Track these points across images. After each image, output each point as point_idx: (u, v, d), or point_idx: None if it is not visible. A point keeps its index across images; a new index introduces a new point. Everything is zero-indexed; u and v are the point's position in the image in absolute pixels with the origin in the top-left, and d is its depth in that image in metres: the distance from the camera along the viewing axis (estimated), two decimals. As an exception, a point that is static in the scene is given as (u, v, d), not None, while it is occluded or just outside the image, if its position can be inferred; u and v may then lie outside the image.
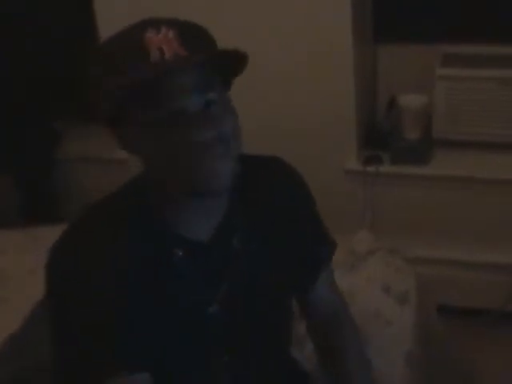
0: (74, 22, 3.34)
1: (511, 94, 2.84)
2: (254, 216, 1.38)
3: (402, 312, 2.14)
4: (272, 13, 2.80)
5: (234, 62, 1.22)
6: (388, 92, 3.13)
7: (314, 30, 2.81)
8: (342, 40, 2.80)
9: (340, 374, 1.57)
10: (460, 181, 2.97)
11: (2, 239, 2.64)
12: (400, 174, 3.01)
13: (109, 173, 3.33)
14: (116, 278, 1.24)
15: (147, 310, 1.26)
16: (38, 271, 2.38)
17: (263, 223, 1.40)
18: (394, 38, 3.09)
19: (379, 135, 3.11)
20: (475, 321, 3.03)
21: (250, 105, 2.93)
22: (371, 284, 2.21)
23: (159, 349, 1.29)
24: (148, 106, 1.16)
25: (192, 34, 1.19)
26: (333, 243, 1.58)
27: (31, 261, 2.46)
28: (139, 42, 1.15)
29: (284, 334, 1.55)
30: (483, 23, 2.95)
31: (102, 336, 1.23)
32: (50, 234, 2.57)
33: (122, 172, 3.23)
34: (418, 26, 3.03)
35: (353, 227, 2.70)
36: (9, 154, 3.33)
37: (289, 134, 2.94)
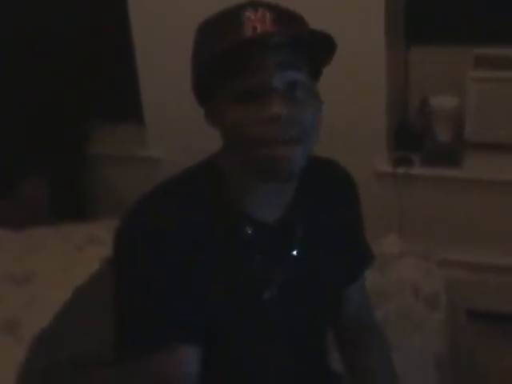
0: (104, 24, 3.37)
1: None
2: (313, 210, 1.41)
3: (431, 315, 2.14)
4: (304, 12, 2.80)
5: (322, 50, 1.27)
6: (420, 93, 3.11)
7: (346, 31, 2.79)
8: (374, 41, 2.80)
9: (364, 380, 1.58)
10: (491, 183, 2.95)
11: (33, 237, 2.67)
12: (431, 176, 2.99)
13: (138, 171, 3.36)
14: (187, 243, 1.26)
15: (211, 280, 1.29)
16: (68, 269, 2.43)
17: (322, 215, 1.43)
18: (426, 39, 3.07)
19: (410, 137, 3.10)
20: (504, 325, 3.00)
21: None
22: (401, 287, 2.20)
23: (215, 321, 1.30)
24: (233, 77, 1.20)
25: (287, 19, 1.24)
26: (372, 254, 1.61)
27: (61, 258, 2.49)
28: (237, 19, 1.20)
29: (327, 332, 1.57)
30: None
31: (163, 300, 1.25)
32: (79, 232, 2.64)
33: (151, 170, 3.29)
34: (451, 28, 3.02)
35: (382, 229, 2.70)
36: (40, 154, 3.35)
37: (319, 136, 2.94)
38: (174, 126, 3.19)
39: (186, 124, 2.73)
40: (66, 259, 2.46)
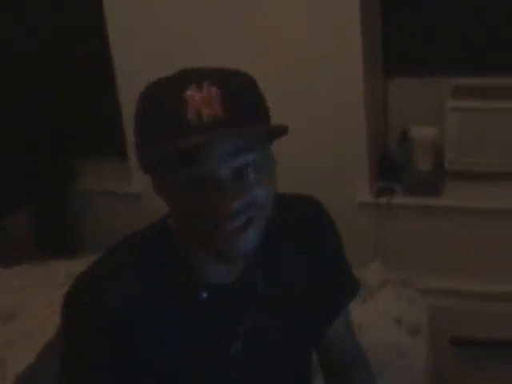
0: (89, 61, 3.40)
1: (522, 125, 2.85)
2: (278, 256, 1.37)
3: (415, 344, 2.15)
4: (281, 44, 2.84)
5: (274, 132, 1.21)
6: (400, 124, 3.15)
7: (323, 64, 2.84)
8: (352, 73, 2.82)
9: None
10: (473, 212, 2.97)
11: (19, 272, 2.67)
12: (412, 205, 3.01)
13: (123, 206, 3.37)
14: (138, 316, 1.24)
15: (168, 349, 1.26)
16: (55, 304, 2.43)
17: (288, 262, 1.39)
18: (404, 71, 3.11)
19: (392, 167, 3.12)
20: (487, 352, 3.01)
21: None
22: (383, 316, 2.22)
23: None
24: (178, 168, 1.13)
25: (235, 92, 1.15)
26: (356, 284, 1.57)
27: (48, 294, 2.50)
28: (179, 101, 1.11)
29: (305, 370, 1.55)
30: (493, 54, 2.97)
31: (111, 371, 1.24)
32: (66, 268, 2.65)
33: (136, 206, 3.30)
34: (428, 59, 3.05)
35: (365, 259, 2.71)
36: (25, 189, 3.37)
37: (301, 167, 2.97)
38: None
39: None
40: (50, 296, 2.46)
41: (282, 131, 1.20)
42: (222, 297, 1.30)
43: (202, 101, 1.10)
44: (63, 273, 2.60)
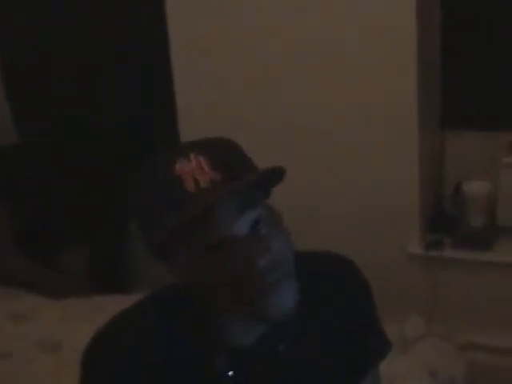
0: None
1: None
2: (303, 318, 1.30)
3: (449, 399, 2.13)
4: (337, 95, 2.89)
5: (272, 175, 1.19)
6: (456, 177, 3.14)
7: (379, 116, 2.87)
8: (407, 126, 2.85)
9: None
10: (524, 268, 2.94)
11: (68, 305, 2.74)
12: (462, 259, 2.99)
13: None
14: (153, 374, 1.25)
15: None
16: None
17: (314, 324, 1.34)
18: (461, 124, 3.11)
19: (444, 220, 3.12)
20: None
21: (313, 189, 3.00)
22: (418, 369, 2.21)
23: None
24: (194, 238, 1.14)
25: (222, 156, 1.17)
26: (387, 345, 1.48)
27: (93, 327, 2.54)
28: (172, 178, 1.13)
29: None
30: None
31: None
32: (113, 303, 2.70)
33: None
34: (485, 114, 3.05)
35: (411, 311, 2.70)
36: (86, 226, 3.45)
37: (352, 217, 2.99)
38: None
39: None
40: (95, 330, 2.52)
41: (277, 177, 1.20)
42: (241, 361, 1.28)
43: (193, 171, 1.13)
44: (110, 308, 2.65)
